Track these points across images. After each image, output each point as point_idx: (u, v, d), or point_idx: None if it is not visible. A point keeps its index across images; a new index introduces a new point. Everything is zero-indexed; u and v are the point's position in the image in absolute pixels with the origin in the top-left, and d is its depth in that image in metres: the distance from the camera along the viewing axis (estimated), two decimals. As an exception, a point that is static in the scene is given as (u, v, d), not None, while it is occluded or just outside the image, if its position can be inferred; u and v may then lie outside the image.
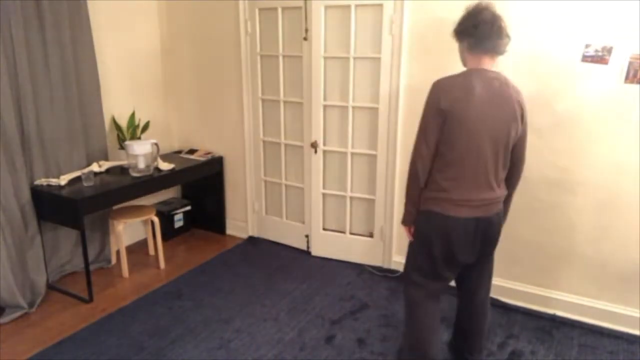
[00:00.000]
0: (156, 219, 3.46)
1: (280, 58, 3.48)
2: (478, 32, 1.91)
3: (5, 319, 2.81)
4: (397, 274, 3.34)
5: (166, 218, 3.89)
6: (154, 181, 3.31)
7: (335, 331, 2.73)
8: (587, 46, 2.50)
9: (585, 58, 2.52)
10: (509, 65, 2.70)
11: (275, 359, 2.49)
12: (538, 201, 2.82)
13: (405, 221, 2.17)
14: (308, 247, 3.73)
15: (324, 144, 3.46)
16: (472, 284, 2.26)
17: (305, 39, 3.29)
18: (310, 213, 3.62)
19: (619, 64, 2.45)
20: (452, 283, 2.26)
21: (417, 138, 2.03)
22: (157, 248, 3.50)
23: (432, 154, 2.00)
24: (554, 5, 2.54)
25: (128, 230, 3.81)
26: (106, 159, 3.42)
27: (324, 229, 3.64)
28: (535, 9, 2.58)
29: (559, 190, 2.75)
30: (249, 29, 3.54)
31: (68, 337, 2.66)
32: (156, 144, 3.33)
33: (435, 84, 1.98)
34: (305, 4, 3.22)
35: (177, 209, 4.01)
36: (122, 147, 3.43)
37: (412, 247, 2.20)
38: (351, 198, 3.50)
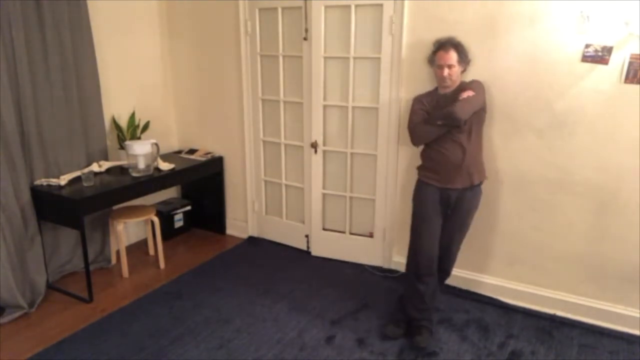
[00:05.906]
0: (156, 219, 3.46)
1: (280, 58, 3.48)
2: None
3: (5, 319, 2.81)
4: (397, 274, 3.34)
5: (166, 218, 3.89)
6: (154, 181, 3.30)
7: (335, 331, 2.73)
8: (587, 46, 2.50)
9: (585, 58, 2.52)
10: (509, 65, 2.71)
11: (275, 359, 2.49)
12: (538, 201, 2.82)
13: None
14: (308, 247, 3.73)
15: (324, 144, 3.45)
16: None
17: (305, 39, 3.29)
18: (310, 213, 3.62)
19: (619, 64, 2.45)
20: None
21: None
22: (157, 248, 3.50)
23: None
24: (554, 5, 2.53)
25: (128, 230, 3.81)
26: (106, 159, 3.42)
27: (324, 229, 3.64)
28: (536, 8, 2.58)
29: (559, 190, 2.75)
30: (249, 29, 3.54)
31: (68, 337, 2.66)
32: (156, 144, 3.33)
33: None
34: (305, 4, 3.22)
35: (177, 209, 4.01)
36: (122, 147, 3.43)
37: None
38: (351, 198, 3.49)
